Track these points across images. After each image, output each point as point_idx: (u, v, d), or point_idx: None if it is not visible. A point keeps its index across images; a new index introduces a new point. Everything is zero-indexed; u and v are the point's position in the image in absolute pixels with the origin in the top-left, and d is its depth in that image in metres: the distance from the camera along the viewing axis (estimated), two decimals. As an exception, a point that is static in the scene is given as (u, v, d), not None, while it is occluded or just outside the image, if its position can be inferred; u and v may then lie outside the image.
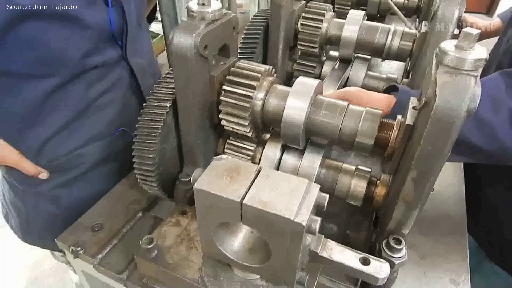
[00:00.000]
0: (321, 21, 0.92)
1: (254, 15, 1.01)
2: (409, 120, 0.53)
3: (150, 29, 1.14)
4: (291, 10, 0.91)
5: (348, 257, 0.49)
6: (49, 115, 0.85)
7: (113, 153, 0.98)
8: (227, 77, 0.62)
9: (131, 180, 0.89)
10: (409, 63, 0.94)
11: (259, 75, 0.60)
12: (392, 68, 1.31)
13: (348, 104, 0.61)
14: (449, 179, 0.93)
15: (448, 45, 0.47)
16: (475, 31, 0.45)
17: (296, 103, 0.61)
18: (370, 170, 0.68)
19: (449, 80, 0.45)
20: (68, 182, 0.96)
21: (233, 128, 0.64)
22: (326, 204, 0.47)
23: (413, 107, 0.56)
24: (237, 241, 0.56)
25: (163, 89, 0.68)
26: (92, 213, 0.81)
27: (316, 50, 0.95)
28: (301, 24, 0.92)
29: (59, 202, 0.98)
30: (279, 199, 0.45)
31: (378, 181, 0.67)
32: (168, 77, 0.70)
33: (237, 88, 0.61)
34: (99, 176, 0.97)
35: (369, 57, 1.03)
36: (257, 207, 0.44)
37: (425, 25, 0.87)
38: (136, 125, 0.67)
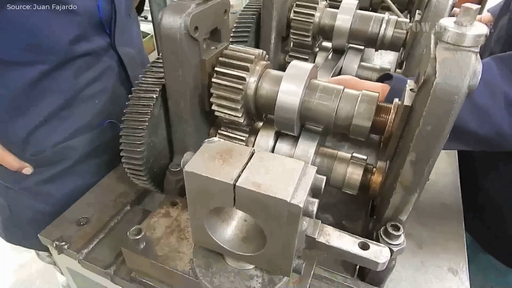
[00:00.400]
0: (314, 8, 0.90)
1: (245, 6, 0.99)
2: (407, 101, 0.51)
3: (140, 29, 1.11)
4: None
5: (346, 242, 0.47)
6: (35, 104, 0.82)
7: (102, 145, 0.95)
8: (220, 58, 0.60)
9: (119, 173, 0.85)
10: (403, 53, 0.93)
11: (253, 57, 0.58)
12: (384, 62, 1.31)
13: (344, 87, 0.59)
14: (444, 169, 0.92)
15: (448, 21, 0.45)
16: (475, 6, 0.43)
17: (290, 87, 0.58)
18: (365, 157, 0.66)
19: (449, 57, 0.44)
20: (55, 176, 0.92)
21: (225, 113, 0.62)
22: (323, 186, 0.45)
23: (410, 89, 0.54)
24: (230, 229, 0.53)
25: (149, 79, 0.65)
26: (78, 206, 0.78)
27: (309, 40, 0.93)
28: (294, 12, 0.91)
29: (46, 198, 0.94)
30: (274, 180, 0.43)
31: (374, 169, 0.65)
32: (154, 66, 0.67)
33: (230, 70, 0.58)
34: (88, 169, 0.94)
35: (362, 47, 1.02)
36: (251, 189, 0.42)
37: (419, 13, 0.86)
38: (122, 118, 0.64)
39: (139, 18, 1.17)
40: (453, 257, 0.70)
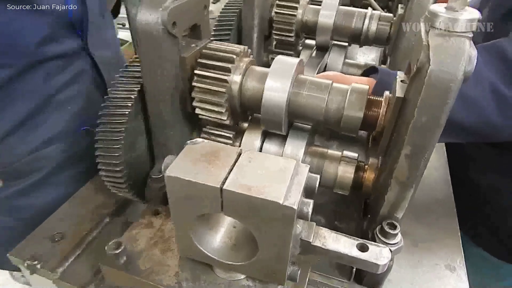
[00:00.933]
0: (297, 2, 0.88)
1: (225, 4, 0.96)
2: (399, 93, 0.49)
3: (118, 37, 1.06)
4: (264, -3, 0.87)
5: (343, 244, 0.44)
6: (2, 110, 0.76)
7: (77, 154, 0.89)
8: (203, 51, 0.57)
9: (96, 183, 0.80)
10: (388, 48, 0.92)
11: (238, 50, 0.55)
12: (367, 60, 1.31)
13: (332, 82, 0.56)
14: (433, 164, 0.91)
15: (438, 7, 0.43)
16: (466, -11, 0.41)
17: (276, 84, 0.55)
18: (357, 155, 0.64)
19: (442, 43, 0.42)
20: (28, 189, 0.86)
21: (207, 110, 0.58)
22: (317, 185, 0.42)
23: (401, 81, 0.52)
24: (218, 237, 0.49)
25: (120, 91, 0.60)
26: (52, 221, 0.72)
27: (292, 37, 0.91)
28: (277, 7, 0.88)
29: (17, 213, 0.88)
30: (265, 182, 0.39)
31: (366, 166, 0.63)
32: (124, 76, 0.61)
33: (214, 62, 0.55)
34: (62, 180, 0.88)
35: (346, 44, 1.00)
36: (240, 192, 0.38)
37: (401, 7, 0.85)
38: (96, 136, 0.59)
39: (117, 25, 1.12)
40: (449, 253, 0.68)
